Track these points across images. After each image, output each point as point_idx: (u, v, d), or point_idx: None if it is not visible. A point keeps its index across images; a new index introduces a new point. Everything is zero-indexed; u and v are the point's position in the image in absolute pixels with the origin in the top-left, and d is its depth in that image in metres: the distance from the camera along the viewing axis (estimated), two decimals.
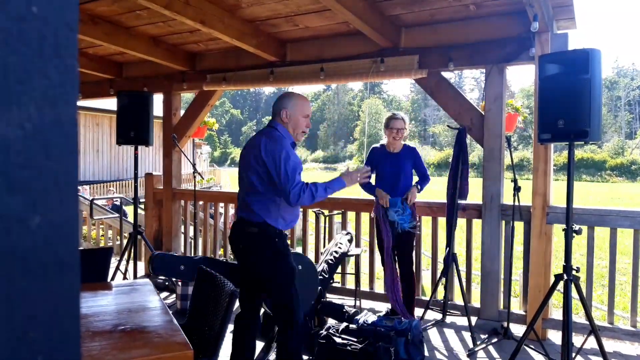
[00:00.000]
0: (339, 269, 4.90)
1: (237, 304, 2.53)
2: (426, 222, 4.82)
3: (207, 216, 6.03)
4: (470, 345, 3.85)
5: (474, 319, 4.16)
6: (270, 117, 3.03)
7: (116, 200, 10.96)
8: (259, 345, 3.33)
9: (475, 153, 33.74)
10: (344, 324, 3.60)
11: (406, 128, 4.32)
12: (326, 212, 4.95)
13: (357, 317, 3.68)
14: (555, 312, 4.32)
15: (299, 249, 6.22)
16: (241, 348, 2.94)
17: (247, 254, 2.88)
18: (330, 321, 4.00)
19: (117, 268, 5.25)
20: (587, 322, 3.36)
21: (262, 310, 3.69)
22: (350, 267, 5.55)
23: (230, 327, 2.53)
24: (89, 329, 2.07)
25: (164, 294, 5.22)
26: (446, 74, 4.63)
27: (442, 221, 4.56)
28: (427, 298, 4.52)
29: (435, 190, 10.38)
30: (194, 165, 5.43)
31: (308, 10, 4.28)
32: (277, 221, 2.83)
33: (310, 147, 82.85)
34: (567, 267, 3.12)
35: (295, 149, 2.99)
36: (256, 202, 2.82)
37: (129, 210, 10.77)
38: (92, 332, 2.04)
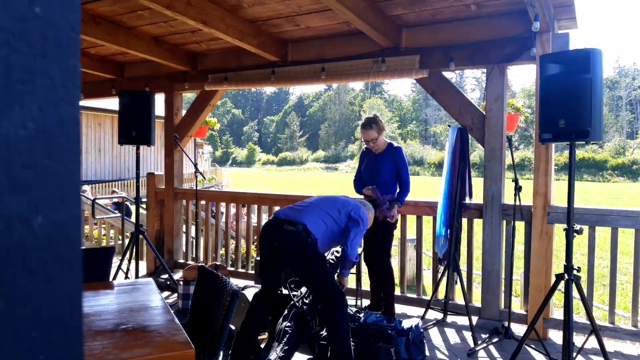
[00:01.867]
0: None
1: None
2: (426, 221, 4.82)
3: (209, 216, 6.03)
4: (471, 344, 3.85)
5: (474, 319, 4.16)
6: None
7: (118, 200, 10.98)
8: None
9: (476, 153, 33.73)
10: None
11: (382, 129, 4.23)
12: None
13: (358, 317, 3.68)
14: (556, 311, 4.32)
15: None
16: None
17: None
18: None
19: (119, 267, 5.25)
20: (588, 322, 3.36)
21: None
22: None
23: (232, 326, 2.56)
24: (91, 328, 2.08)
25: (166, 294, 5.23)
26: (447, 74, 4.63)
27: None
28: (428, 298, 4.52)
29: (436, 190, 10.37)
30: (195, 165, 5.44)
31: (309, 10, 4.28)
32: None
33: (311, 147, 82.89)
34: (568, 267, 3.12)
35: None
36: None
37: (130, 209, 10.79)
38: (93, 331, 2.05)
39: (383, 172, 4.22)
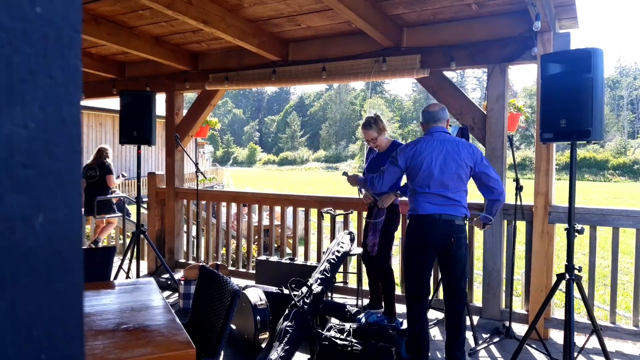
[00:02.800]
0: (341, 268, 4.90)
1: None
2: None
3: (210, 215, 6.03)
4: (472, 344, 3.85)
5: (475, 319, 4.16)
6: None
7: (119, 200, 10.97)
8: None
9: None
10: (346, 324, 3.60)
11: (383, 129, 4.19)
12: (339, 211, 4.95)
13: (359, 317, 3.68)
14: (557, 311, 4.32)
15: (301, 249, 6.22)
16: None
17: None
18: (332, 320, 4.00)
19: (120, 267, 5.26)
20: (589, 322, 3.36)
21: (262, 300, 3.70)
22: (352, 267, 5.55)
23: (233, 326, 2.56)
24: (92, 327, 2.08)
25: (167, 293, 5.23)
26: (448, 74, 4.62)
27: None
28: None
29: None
30: (196, 164, 5.44)
31: (310, 10, 4.28)
32: None
33: (312, 147, 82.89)
34: (569, 267, 3.11)
35: None
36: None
37: (131, 209, 10.79)
38: (95, 330, 2.05)
39: None
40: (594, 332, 3.16)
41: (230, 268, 5.61)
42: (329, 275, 4.05)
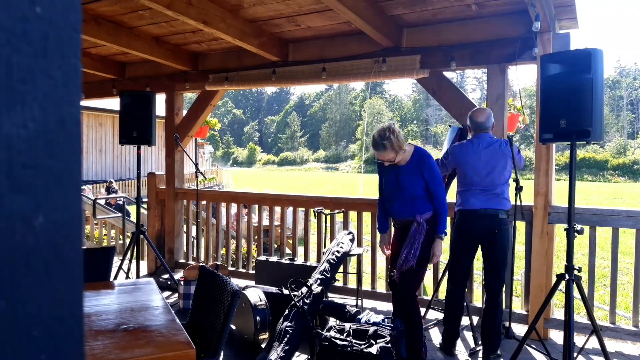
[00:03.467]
0: (341, 269, 4.90)
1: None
2: None
3: (210, 216, 6.03)
4: (472, 344, 3.85)
5: (475, 319, 4.15)
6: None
7: (119, 200, 10.98)
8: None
9: None
10: (346, 324, 3.60)
11: (399, 146, 3.28)
12: (327, 211, 4.95)
13: (359, 317, 3.68)
14: (557, 311, 4.32)
15: (301, 249, 6.22)
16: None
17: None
18: (332, 321, 4.00)
19: (120, 267, 5.26)
20: (589, 322, 3.36)
21: (261, 301, 3.70)
22: (352, 267, 5.55)
23: (233, 326, 2.57)
24: (92, 328, 2.08)
25: (167, 293, 5.23)
26: (448, 74, 4.63)
27: None
28: (429, 298, 4.52)
29: None
30: (196, 164, 5.44)
31: (310, 10, 4.28)
32: None
33: (312, 147, 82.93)
34: (569, 267, 3.11)
35: None
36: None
37: (131, 209, 10.81)
38: (95, 331, 2.05)
39: (407, 186, 3.37)
40: (593, 332, 3.16)
41: (230, 268, 5.61)
42: (328, 276, 4.05)
